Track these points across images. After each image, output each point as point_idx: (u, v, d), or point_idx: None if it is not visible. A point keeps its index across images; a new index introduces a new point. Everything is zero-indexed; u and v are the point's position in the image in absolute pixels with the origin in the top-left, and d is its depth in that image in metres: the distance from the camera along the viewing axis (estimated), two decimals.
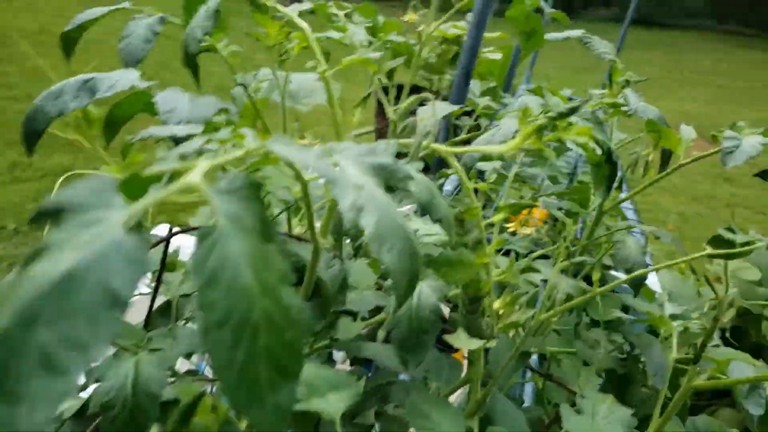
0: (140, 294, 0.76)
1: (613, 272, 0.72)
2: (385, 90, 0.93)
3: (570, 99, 0.83)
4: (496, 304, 0.45)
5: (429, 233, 0.50)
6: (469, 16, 1.19)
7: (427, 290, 0.44)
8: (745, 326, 1.02)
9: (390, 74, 1.04)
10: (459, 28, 1.30)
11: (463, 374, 0.57)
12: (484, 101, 0.77)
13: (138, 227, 0.17)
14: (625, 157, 0.63)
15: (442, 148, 0.38)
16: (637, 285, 0.63)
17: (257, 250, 0.20)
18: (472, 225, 0.38)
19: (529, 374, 0.75)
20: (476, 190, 0.46)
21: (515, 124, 0.46)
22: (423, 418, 0.41)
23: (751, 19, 10.10)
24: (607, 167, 0.39)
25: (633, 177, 0.57)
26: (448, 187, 0.80)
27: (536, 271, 0.51)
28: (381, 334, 0.56)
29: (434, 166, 0.66)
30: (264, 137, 0.33)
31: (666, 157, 0.60)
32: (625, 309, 0.77)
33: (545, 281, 0.53)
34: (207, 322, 0.19)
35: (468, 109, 0.65)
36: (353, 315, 0.59)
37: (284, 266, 0.21)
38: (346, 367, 0.69)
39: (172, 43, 1.07)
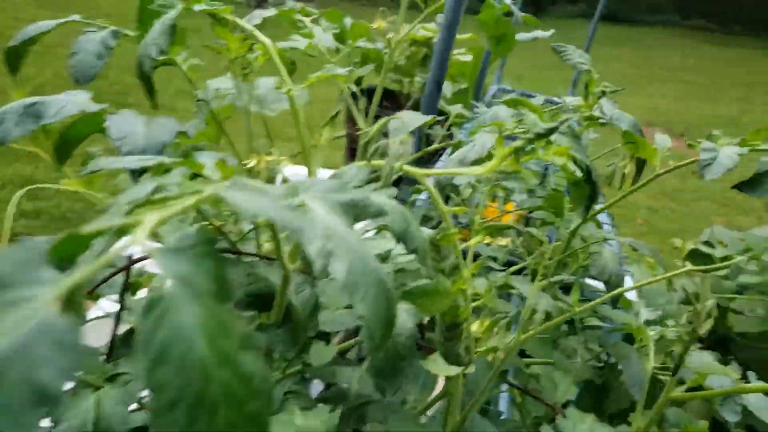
0: (102, 316, 0.73)
1: (589, 281, 0.71)
2: (355, 95, 0.91)
3: (549, 102, 0.82)
4: (474, 327, 0.43)
5: (403, 253, 0.48)
6: (439, 17, 1.17)
7: (403, 315, 0.43)
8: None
9: (359, 79, 1.02)
10: (428, 30, 1.29)
11: (439, 382, 0.56)
12: (457, 109, 0.76)
13: (71, 304, 0.15)
14: (600, 166, 0.62)
15: (416, 170, 0.36)
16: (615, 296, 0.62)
17: (213, 316, 0.18)
18: (448, 250, 0.37)
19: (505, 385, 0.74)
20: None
21: (490, 140, 0.44)
22: None
23: (713, 14, 10.33)
24: (587, 187, 0.38)
25: (609, 188, 0.56)
26: (423, 195, 0.78)
27: (514, 288, 0.50)
28: (353, 355, 0.54)
29: (407, 178, 0.64)
30: (224, 169, 0.30)
31: (641, 165, 0.59)
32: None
33: (522, 298, 0.52)
34: (158, 403, 0.17)
35: (440, 118, 0.64)
36: (327, 336, 0.57)
37: (244, 329, 0.19)
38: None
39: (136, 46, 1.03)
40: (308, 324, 0.48)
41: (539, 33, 1.28)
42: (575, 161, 0.37)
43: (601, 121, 0.49)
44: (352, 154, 1.34)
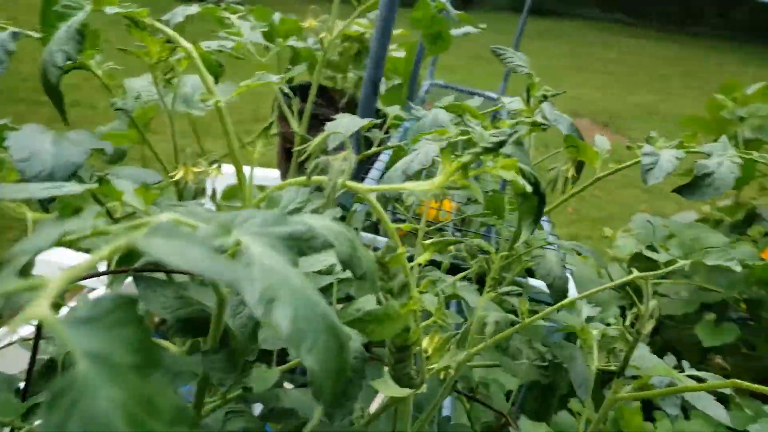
0: (17, 341, 0.67)
1: (531, 280, 0.71)
2: (287, 95, 0.87)
3: (483, 97, 0.81)
4: (425, 343, 0.42)
5: None
6: (373, 15, 1.15)
7: (351, 334, 0.40)
8: None
9: (291, 78, 0.98)
10: (361, 25, 1.26)
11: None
12: (395, 110, 0.74)
13: None
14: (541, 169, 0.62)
15: (361, 187, 0.34)
16: (559, 298, 0.62)
17: (135, 395, 0.15)
18: (397, 269, 0.35)
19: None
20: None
21: (434, 149, 0.42)
22: None
23: (632, 9, 10.80)
24: (535, 198, 0.37)
25: (552, 192, 0.56)
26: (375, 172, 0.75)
27: (462, 298, 0.48)
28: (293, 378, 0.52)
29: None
30: (146, 195, 0.27)
31: (581, 167, 0.59)
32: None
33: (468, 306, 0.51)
34: None
35: (377, 121, 0.62)
36: (269, 356, 0.54)
37: (175, 401, 0.16)
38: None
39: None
40: (248, 348, 0.44)
41: (470, 29, 1.28)
42: (523, 174, 0.35)
43: (543, 126, 0.49)
44: (285, 153, 1.30)
